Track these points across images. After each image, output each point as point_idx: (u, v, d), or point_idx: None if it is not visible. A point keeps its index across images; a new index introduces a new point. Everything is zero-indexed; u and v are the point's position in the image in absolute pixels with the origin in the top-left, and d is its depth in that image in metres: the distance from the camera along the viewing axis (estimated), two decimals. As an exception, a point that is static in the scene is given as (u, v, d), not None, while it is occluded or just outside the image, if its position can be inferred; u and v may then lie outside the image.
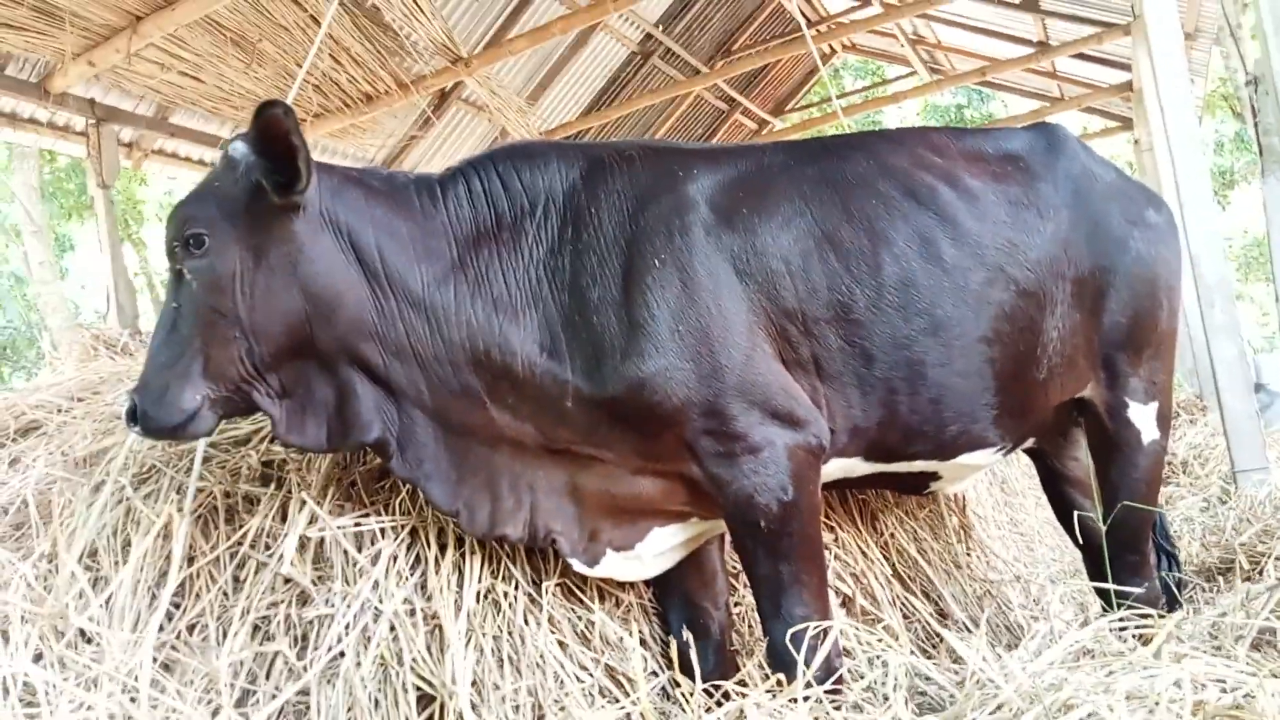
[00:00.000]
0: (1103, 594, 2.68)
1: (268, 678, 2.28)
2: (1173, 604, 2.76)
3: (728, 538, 2.56)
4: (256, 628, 2.37)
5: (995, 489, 4.59)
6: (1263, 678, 1.81)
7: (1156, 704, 1.75)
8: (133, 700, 2.16)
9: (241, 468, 2.65)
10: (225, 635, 2.32)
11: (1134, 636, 2.21)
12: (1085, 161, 2.61)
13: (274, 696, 2.21)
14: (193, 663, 2.29)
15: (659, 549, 2.29)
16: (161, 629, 2.31)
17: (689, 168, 2.25)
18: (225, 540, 2.48)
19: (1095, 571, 2.79)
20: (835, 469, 2.29)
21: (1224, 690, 1.83)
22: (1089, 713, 1.79)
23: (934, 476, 2.51)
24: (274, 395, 2.10)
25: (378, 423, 2.14)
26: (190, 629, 2.38)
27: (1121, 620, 2.22)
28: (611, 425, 2.10)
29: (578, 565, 2.25)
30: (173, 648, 2.33)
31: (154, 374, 2.05)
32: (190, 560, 2.47)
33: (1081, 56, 9.55)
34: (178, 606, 2.40)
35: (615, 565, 2.27)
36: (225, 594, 2.41)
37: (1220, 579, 3.63)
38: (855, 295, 2.17)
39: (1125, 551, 2.59)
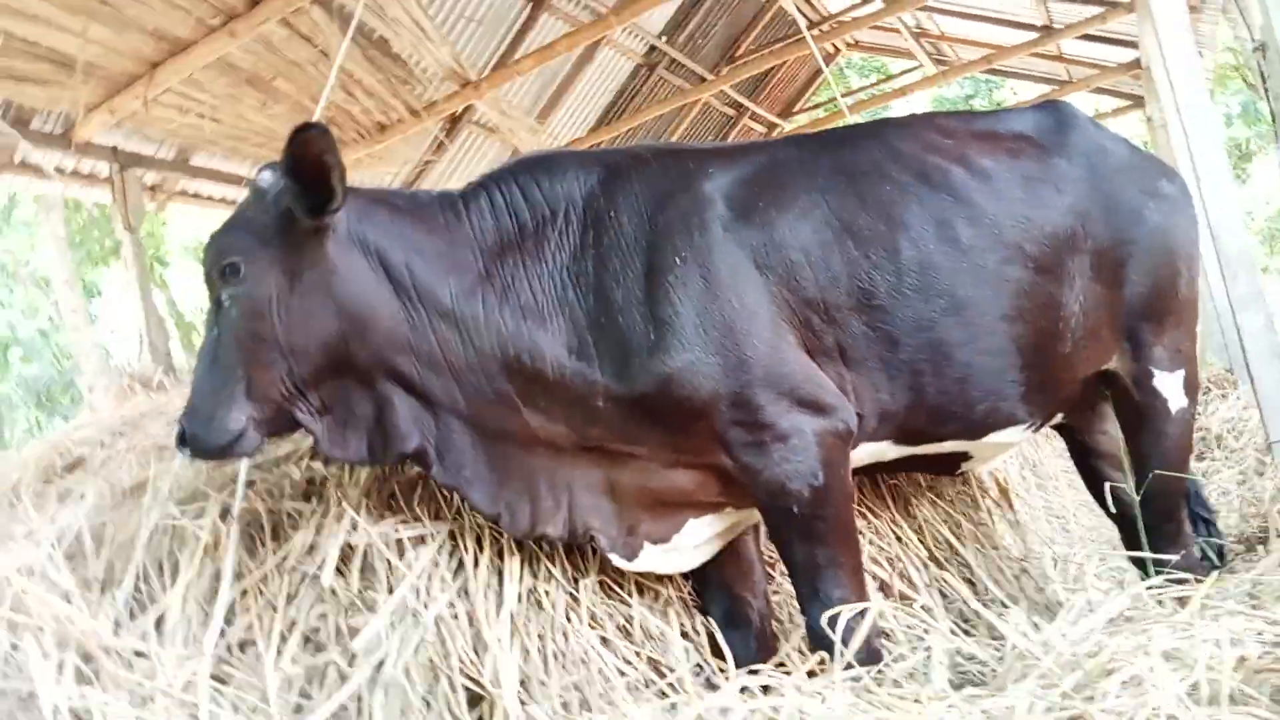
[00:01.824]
0: (1140, 565, 2.68)
1: (321, 688, 2.34)
2: (1215, 569, 2.76)
3: (763, 527, 2.60)
4: (307, 639, 2.43)
5: (1028, 472, 4.59)
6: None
7: (1196, 662, 1.76)
8: (192, 716, 2.23)
9: (284, 485, 2.72)
10: (275, 649, 2.39)
11: (1173, 600, 2.22)
12: (1096, 136, 2.63)
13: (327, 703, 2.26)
14: (245, 677, 2.35)
15: (696, 540, 2.33)
16: (214, 646, 2.38)
17: (704, 166, 2.30)
18: (272, 556, 2.55)
19: (1131, 543, 2.79)
20: (866, 454, 2.32)
21: (1264, 646, 1.84)
22: (1130, 675, 1.80)
23: (965, 457, 2.54)
24: (315, 413, 2.18)
25: (416, 433, 2.20)
26: (241, 645, 2.45)
27: (1160, 587, 2.23)
28: (642, 421, 2.15)
29: (617, 560, 2.30)
30: (225, 663, 2.40)
31: (200, 399, 2.14)
32: (238, 577, 2.53)
33: (1087, 37, 9.52)
34: (228, 623, 2.47)
35: (654, 558, 2.31)
36: (274, 609, 2.48)
37: (1260, 548, 3.61)
38: (875, 281, 2.21)
39: (1161, 521, 2.60)
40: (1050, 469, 4.99)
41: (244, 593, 2.51)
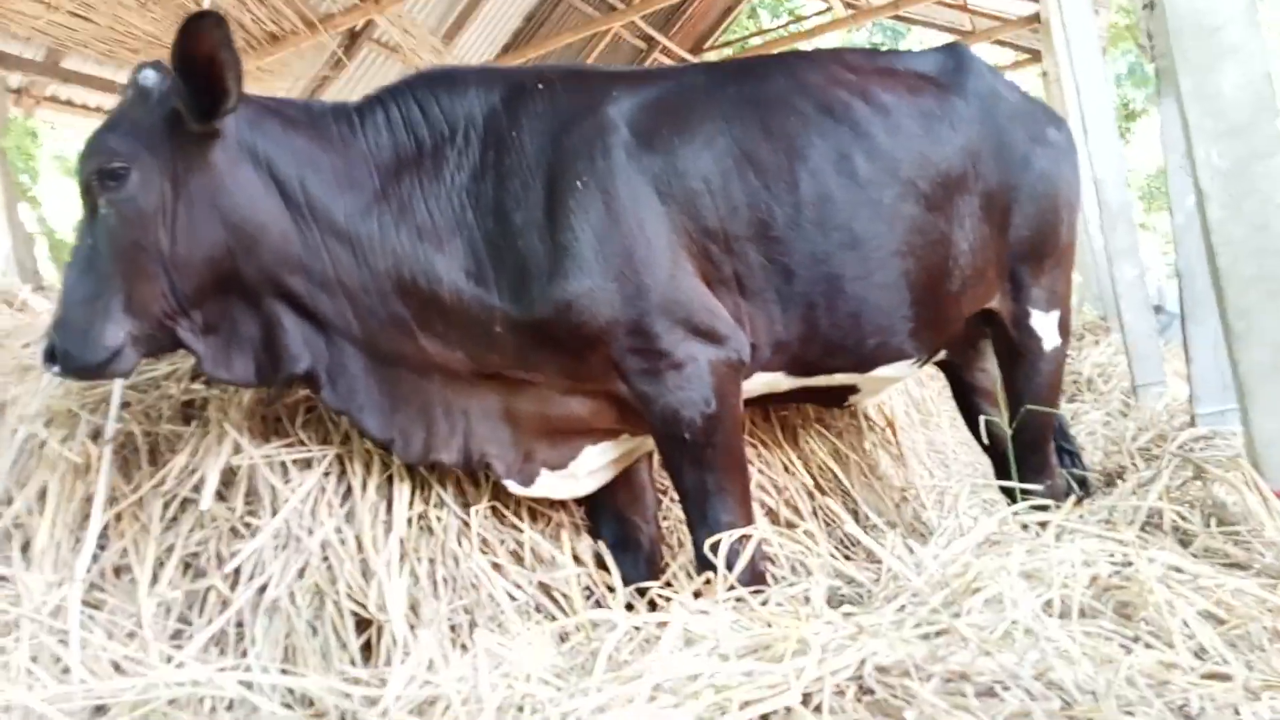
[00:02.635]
0: (1009, 493, 2.82)
1: (200, 614, 2.28)
2: (1080, 498, 2.94)
3: (653, 455, 2.63)
4: (186, 565, 2.36)
5: (913, 410, 4.76)
6: (1146, 550, 1.95)
7: (1052, 580, 1.88)
8: (61, 642, 2.15)
9: (161, 407, 2.61)
10: (153, 575, 2.32)
11: (1036, 525, 2.36)
12: (991, 80, 2.69)
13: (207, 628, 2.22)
14: (119, 603, 2.28)
15: (592, 466, 2.34)
16: (86, 571, 2.29)
17: (609, 90, 2.26)
18: (148, 480, 2.45)
19: (1001, 474, 2.94)
20: (760, 384, 2.36)
21: (1114, 565, 1.98)
22: (992, 593, 1.91)
23: (853, 390, 2.60)
24: (198, 331, 2.08)
25: (307, 355, 2.14)
26: (116, 571, 2.36)
27: (1024, 513, 2.36)
28: (540, 348, 2.13)
29: (513, 486, 2.29)
30: (98, 589, 2.32)
31: (73, 312, 2.00)
32: (112, 501, 2.44)
33: (990, -11, 9.70)
34: (101, 549, 2.38)
35: (550, 484, 2.32)
36: (150, 533, 2.39)
37: (1120, 480, 3.86)
38: (774, 212, 2.22)
39: (1029, 453, 2.74)
40: (934, 408, 5.19)
41: (118, 517, 2.42)
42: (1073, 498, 2.42)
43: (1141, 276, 5.91)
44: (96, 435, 2.52)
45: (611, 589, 2.31)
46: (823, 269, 2.27)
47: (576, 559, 2.50)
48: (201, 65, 1.91)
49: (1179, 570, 1.89)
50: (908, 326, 2.41)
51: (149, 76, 2.04)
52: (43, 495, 2.44)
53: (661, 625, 1.86)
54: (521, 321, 2.12)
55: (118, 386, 2.58)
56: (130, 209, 1.99)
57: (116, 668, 2.12)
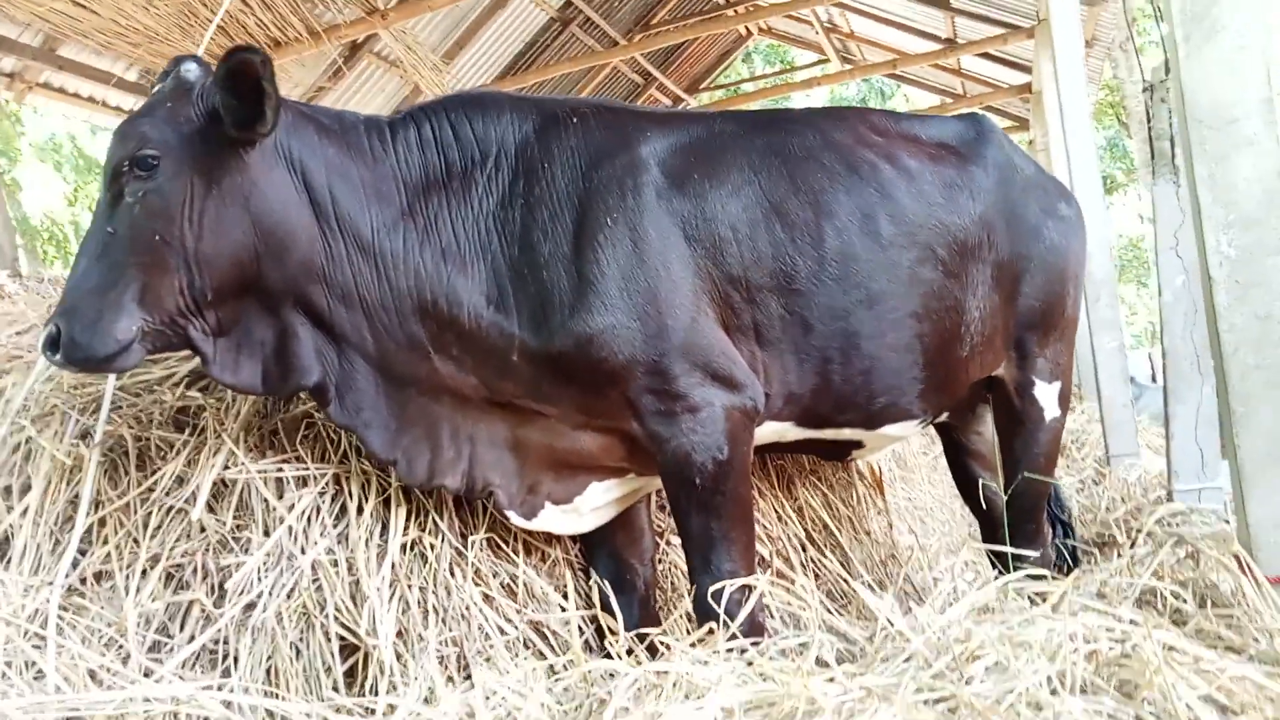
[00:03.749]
0: (998, 560, 2.84)
1: (182, 628, 2.22)
2: (1068, 568, 2.96)
3: (653, 497, 2.61)
4: (170, 576, 2.29)
5: (893, 464, 4.79)
6: (1149, 628, 1.97)
7: (1056, 653, 1.88)
8: (37, 648, 2.08)
9: (154, 412, 2.55)
10: (134, 584, 2.25)
11: (1029, 596, 2.37)
12: (1009, 152, 2.74)
13: (189, 644, 2.15)
14: (100, 610, 2.21)
15: (596, 503, 2.32)
16: (66, 576, 2.22)
17: (642, 129, 2.26)
18: (136, 485, 2.39)
19: (991, 538, 2.96)
20: (769, 432, 2.36)
21: (1114, 641, 1.99)
22: (994, 661, 1.91)
23: (857, 445, 2.61)
24: (210, 332, 2.04)
25: (318, 368, 2.10)
26: (97, 577, 2.29)
27: (1020, 581, 2.37)
28: (556, 380, 2.11)
29: (515, 518, 2.26)
30: (77, 594, 2.24)
31: (84, 300, 1.93)
32: (97, 505, 2.37)
33: (986, 56, 9.94)
34: (83, 553, 2.31)
35: (553, 519, 2.29)
36: (135, 541, 2.33)
37: (1097, 551, 3.90)
38: (798, 265, 2.23)
39: (1023, 520, 2.75)
40: (913, 463, 5.23)
41: (102, 522, 2.36)
42: (1076, 571, 2.42)
43: (1121, 348, 6.03)
44: (85, 436, 2.46)
45: (605, 631, 2.27)
46: (840, 325, 2.29)
47: (565, 596, 2.47)
48: (246, 87, 1.90)
49: (1179, 651, 1.90)
50: (917, 388, 2.42)
51: (191, 69, 2.02)
52: (25, 493, 2.37)
53: (661, 674, 1.84)
54: (540, 352, 2.10)
55: (109, 387, 2.52)
56: (157, 199, 1.95)
57: (93, 677, 2.05)
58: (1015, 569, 2.56)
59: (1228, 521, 3.74)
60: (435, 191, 2.16)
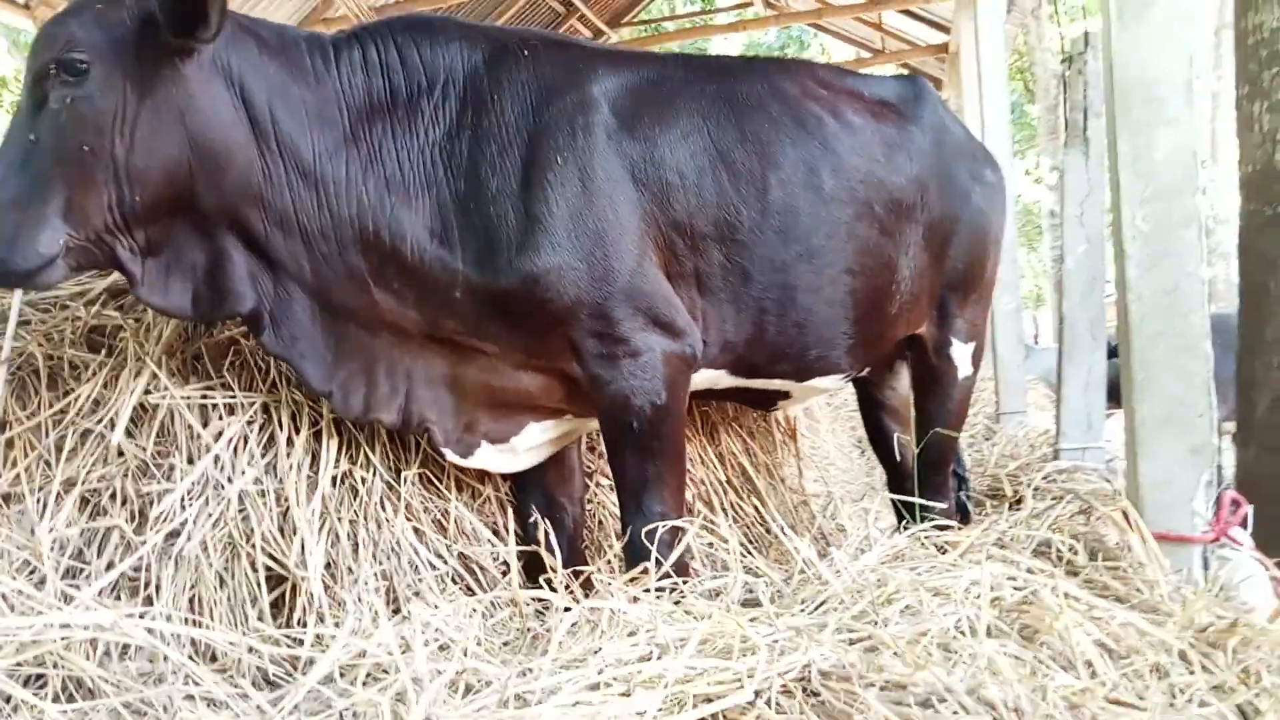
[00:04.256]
0: (906, 509, 2.99)
1: (99, 554, 2.15)
2: (965, 519, 3.13)
3: (584, 438, 2.64)
4: (85, 500, 2.22)
5: (799, 414, 4.94)
6: (1045, 577, 2.13)
7: (964, 599, 2.02)
8: (-57, 570, 1.99)
9: (65, 330, 2.42)
10: (49, 507, 2.17)
11: (936, 544, 2.51)
12: (943, 115, 2.81)
13: (108, 571, 2.10)
14: (10, 533, 2.12)
15: (532, 444, 2.34)
16: (-28, 497, 2.12)
17: (594, 67, 2.24)
18: (47, 406, 2.29)
19: (899, 489, 3.11)
20: (703, 379, 2.41)
21: (1015, 588, 2.14)
22: (906, 605, 2.03)
23: (785, 395, 2.69)
24: (138, 251, 1.95)
25: (252, 295, 2.04)
26: (5, 499, 2.20)
27: (928, 530, 2.51)
28: (498, 317, 2.10)
29: (451, 455, 2.26)
30: (-14, 517, 2.15)
31: (3, 213, 1.82)
32: (3, 426, 2.26)
33: (907, 13, 10.06)
34: (-10, 475, 2.21)
35: (489, 457, 2.30)
36: (47, 464, 2.24)
37: (987, 502, 4.15)
38: (742, 215, 2.26)
39: (933, 473, 2.90)
40: (818, 414, 5.42)
41: (9, 443, 2.26)
42: (978, 524, 2.58)
43: (1018, 310, 6.33)
44: (-12, 350, 2.33)
45: (530, 569, 2.31)
46: (779, 277, 2.33)
47: (497, 533, 2.49)
48: None
49: (1074, 599, 2.06)
50: (847, 343, 2.51)
51: None
52: (-78, 410, 2.24)
53: (594, 611, 1.89)
54: (483, 289, 2.08)
55: (16, 302, 2.39)
56: (86, 107, 1.83)
57: (4, 601, 1.98)
58: (924, 519, 2.72)
59: (1108, 480, 4.03)
60: (379, 118, 2.09)
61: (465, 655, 1.75)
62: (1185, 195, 2.46)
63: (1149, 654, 1.89)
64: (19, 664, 1.86)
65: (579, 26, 13.15)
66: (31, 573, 2.11)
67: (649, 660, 1.69)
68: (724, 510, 2.95)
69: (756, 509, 3.17)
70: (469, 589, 2.38)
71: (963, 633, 1.92)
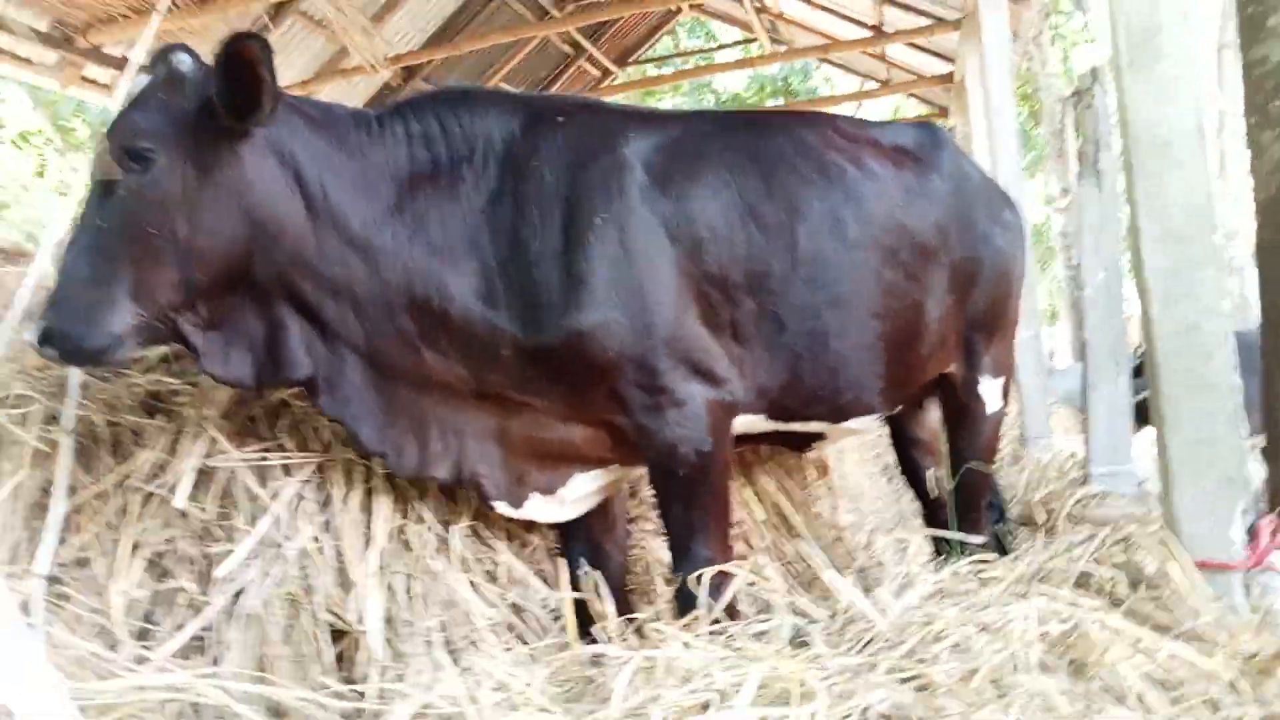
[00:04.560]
0: (938, 544, 3.03)
1: (169, 614, 2.22)
2: (1002, 551, 3.17)
3: (625, 485, 2.71)
4: (152, 563, 2.29)
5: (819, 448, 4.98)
6: (1090, 610, 2.17)
7: (1012, 634, 2.06)
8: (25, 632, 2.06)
9: (123, 397, 2.52)
10: (119, 570, 2.24)
11: (976, 577, 2.55)
12: (960, 160, 2.89)
13: (178, 632, 2.16)
14: (83, 598, 2.20)
15: (579, 493, 2.40)
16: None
17: (625, 129, 2.33)
18: (111, 472, 2.37)
19: (933, 523, 3.16)
20: (741, 424, 2.47)
21: (1060, 621, 2.18)
22: (954, 642, 2.08)
23: (820, 437, 2.75)
24: (200, 326, 2.04)
25: (308, 361, 2.13)
26: (76, 564, 2.27)
27: (967, 566, 2.55)
28: (545, 374, 2.18)
29: (502, 507, 2.32)
30: (58, 582, 2.22)
31: (75, 294, 1.94)
32: (71, 492, 2.34)
33: (912, 45, 10.19)
34: (60, 541, 2.28)
35: (538, 508, 2.36)
36: (113, 528, 2.32)
37: (1020, 530, 4.17)
38: (772, 265, 2.34)
39: (967, 508, 2.95)
40: (844, 444, 5.45)
41: (78, 509, 2.34)
42: (1025, 557, 2.62)
43: (1037, 336, 6.37)
44: (51, 420, 2.42)
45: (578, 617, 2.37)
46: (811, 323, 2.41)
47: (547, 583, 2.55)
48: (243, 74, 1.90)
49: (1120, 631, 2.10)
50: (879, 384, 2.57)
51: (184, 60, 2.01)
52: (-6, 479, 2.32)
53: (650, 659, 1.94)
54: (530, 347, 2.16)
55: (75, 371, 2.48)
56: (153, 192, 1.94)
57: (82, 665, 2.05)
58: (962, 553, 2.76)
59: (1141, 506, 4.05)
60: (423, 186, 2.19)
61: (531, 706, 1.80)
62: (1202, 236, 2.52)
63: (1199, 685, 1.93)
64: (95, 726, 1.93)
65: (588, 66, 13.38)
66: (102, 634, 2.18)
67: (709, 709, 1.74)
68: (765, 550, 3.00)
69: (797, 547, 3.21)
70: (520, 637, 2.43)
71: (1014, 669, 1.97)
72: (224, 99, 1.92)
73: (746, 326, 2.36)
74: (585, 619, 2.40)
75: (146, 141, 1.94)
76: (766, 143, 2.49)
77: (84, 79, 8.20)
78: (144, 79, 2.07)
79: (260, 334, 2.12)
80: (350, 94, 10.54)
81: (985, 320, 2.86)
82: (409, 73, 11.03)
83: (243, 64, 1.89)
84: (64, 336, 1.94)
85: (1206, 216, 2.53)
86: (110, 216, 1.96)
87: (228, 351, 2.10)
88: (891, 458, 5.46)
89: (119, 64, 8.18)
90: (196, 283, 1.99)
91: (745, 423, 2.48)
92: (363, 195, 2.15)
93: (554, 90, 13.08)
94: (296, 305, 2.12)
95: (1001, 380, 2.95)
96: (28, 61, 7.69)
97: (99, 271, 1.94)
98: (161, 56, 2.05)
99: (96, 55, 8.00)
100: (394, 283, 2.15)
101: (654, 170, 2.31)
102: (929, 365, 2.73)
